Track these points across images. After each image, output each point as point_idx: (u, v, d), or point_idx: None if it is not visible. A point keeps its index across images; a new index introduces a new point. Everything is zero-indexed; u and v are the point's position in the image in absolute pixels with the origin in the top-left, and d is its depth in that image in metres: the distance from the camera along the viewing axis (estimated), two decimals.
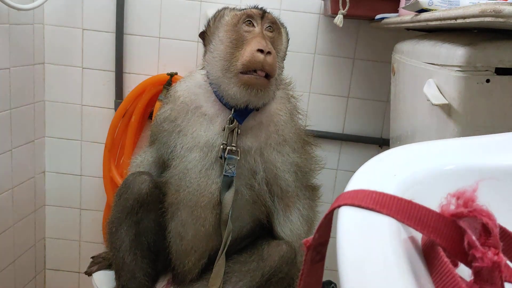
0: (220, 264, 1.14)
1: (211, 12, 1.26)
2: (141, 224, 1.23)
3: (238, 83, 1.07)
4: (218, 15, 1.20)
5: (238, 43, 1.11)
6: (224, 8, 1.21)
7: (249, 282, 1.15)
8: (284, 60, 1.22)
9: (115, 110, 1.78)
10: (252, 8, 1.16)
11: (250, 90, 1.07)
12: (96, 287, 1.38)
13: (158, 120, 1.26)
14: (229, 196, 1.12)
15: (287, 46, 1.23)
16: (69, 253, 1.98)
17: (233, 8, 1.20)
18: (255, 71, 1.06)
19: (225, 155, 1.11)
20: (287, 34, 1.24)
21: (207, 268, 1.22)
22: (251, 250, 1.21)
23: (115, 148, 1.79)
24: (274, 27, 1.17)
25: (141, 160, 1.35)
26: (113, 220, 1.25)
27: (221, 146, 1.12)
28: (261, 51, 1.05)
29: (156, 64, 1.78)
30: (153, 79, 1.73)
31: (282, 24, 1.22)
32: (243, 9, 1.17)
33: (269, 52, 1.05)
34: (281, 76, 1.20)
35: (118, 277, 1.26)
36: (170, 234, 1.22)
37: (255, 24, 1.13)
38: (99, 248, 1.88)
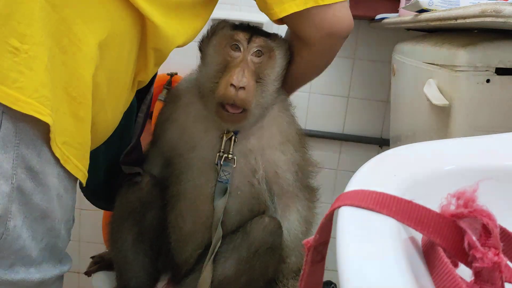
0: (207, 270, 1.14)
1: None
2: (143, 222, 1.24)
3: (216, 113, 1.08)
4: (212, 29, 1.16)
5: (223, 67, 1.09)
6: (219, 23, 1.16)
7: (237, 257, 1.15)
8: (282, 77, 1.15)
9: None
10: (239, 31, 1.10)
11: (225, 123, 1.09)
12: (96, 287, 1.38)
13: (160, 120, 1.27)
14: (221, 202, 1.14)
15: (286, 63, 1.15)
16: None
17: (226, 24, 1.14)
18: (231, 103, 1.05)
19: (221, 162, 1.12)
20: (286, 50, 1.15)
21: (200, 259, 1.23)
22: (238, 230, 1.21)
23: None
24: (264, 50, 1.09)
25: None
26: (115, 219, 1.25)
27: (218, 154, 1.13)
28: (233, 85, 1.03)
29: None
30: None
31: (277, 42, 1.13)
32: (233, 30, 1.11)
33: (242, 87, 1.03)
34: (271, 96, 1.13)
35: (119, 277, 1.26)
36: (170, 224, 1.23)
37: (241, 49, 1.08)
38: (99, 248, 1.88)
